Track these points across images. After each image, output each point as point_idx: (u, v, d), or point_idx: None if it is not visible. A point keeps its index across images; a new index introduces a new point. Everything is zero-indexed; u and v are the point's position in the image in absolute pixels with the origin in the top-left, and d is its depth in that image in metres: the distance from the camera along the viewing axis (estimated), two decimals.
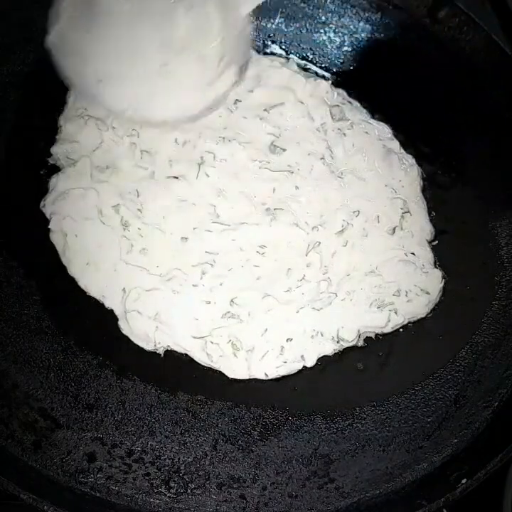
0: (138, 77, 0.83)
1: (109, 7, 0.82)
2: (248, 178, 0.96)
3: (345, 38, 1.10)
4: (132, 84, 0.83)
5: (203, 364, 0.88)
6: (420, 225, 0.99)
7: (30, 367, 0.84)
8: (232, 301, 0.89)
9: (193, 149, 0.96)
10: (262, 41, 1.09)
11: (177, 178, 0.94)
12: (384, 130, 1.04)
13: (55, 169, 0.95)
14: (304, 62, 1.09)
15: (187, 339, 0.87)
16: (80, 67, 0.82)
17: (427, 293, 0.94)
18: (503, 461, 0.80)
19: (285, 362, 0.88)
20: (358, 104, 1.06)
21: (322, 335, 0.90)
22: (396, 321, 0.92)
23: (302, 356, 0.89)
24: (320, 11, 1.10)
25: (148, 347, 0.88)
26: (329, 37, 1.10)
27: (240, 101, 1.00)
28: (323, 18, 1.10)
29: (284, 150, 0.98)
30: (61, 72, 0.82)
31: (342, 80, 1.08)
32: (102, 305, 0.89)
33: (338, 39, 1.10)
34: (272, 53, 1.08)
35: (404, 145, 1.04)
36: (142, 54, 0.82)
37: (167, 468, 0.82)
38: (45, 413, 0.82)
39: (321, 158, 0.99)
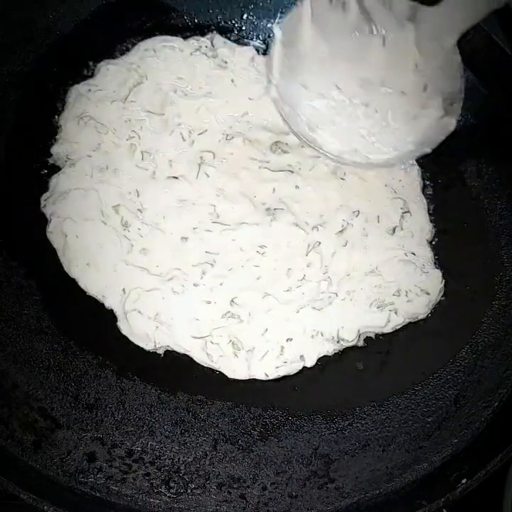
0: (345, 119, 0.86)
1: (311, 51, 0.87)
2: (248, 178, 0.96)
3: None
4: (342, 127, 0.87)
5: (202, 364, 0.88)
6: (420, 225, 0.99)
7: (30, 367, 0.84)
8: (232, 301, 0.89)
9: (193, 149, 0.96)
10: (261, 41, 1.09)
11: (177, 178, 0.94)
12: None
13: (55, 169, 0.95)
14: None
15: (187, 339, 0.87)
16: (296, 114, 0.88)
17: (427, 293, 0.94)
18: (503, 461, 0.80)
19: (285, 362, 0.88)
20: None
21: (322, 335, 0.90)
22: (396, 321, 0.92)
23: (302, 356, 0.89)
24: None
25: (148, 347, 0.88)
26: None
27: None
28: None
29: (285, 150, 0.98)
30: (286, 121, 0.89)
31: None
32: (102, 305, 0.89)
33: None
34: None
35: None
36: (345, 95, 0.86)
37: (167, 468, 0.82)
38: (45, 413, 0.82)
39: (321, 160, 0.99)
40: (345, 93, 0.87)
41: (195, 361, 0.88)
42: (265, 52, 1.08)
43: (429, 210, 1.00)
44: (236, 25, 1.09)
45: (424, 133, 0.88)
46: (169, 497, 0.80)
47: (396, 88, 0.85)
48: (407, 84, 0.85)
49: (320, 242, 0.94)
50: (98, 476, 0.79)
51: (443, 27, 0.86)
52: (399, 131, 0.87)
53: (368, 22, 0.87)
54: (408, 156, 0.91)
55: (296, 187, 0.96)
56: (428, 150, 0.89)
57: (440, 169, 1.03)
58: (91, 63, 1.02)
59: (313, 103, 0.87)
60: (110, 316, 0.88)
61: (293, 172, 0.97)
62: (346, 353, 0.91)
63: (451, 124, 0.88)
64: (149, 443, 0.83)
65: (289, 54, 0.88)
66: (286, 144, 0.98)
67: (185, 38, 1.04)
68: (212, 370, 0.88)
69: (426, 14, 0.87)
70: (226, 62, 1.03)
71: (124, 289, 0.88)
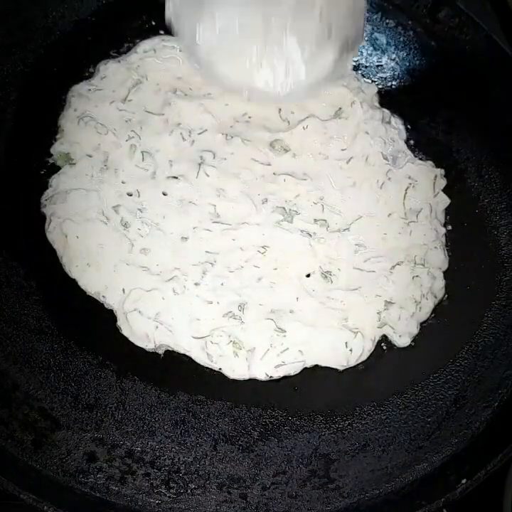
0: (247, 51, 0.84)
1: None
2: (249, 178, 0.96)
3: None
4: (242, 58, 0.85)
5: (202, 364, 0.88)
6: None
7: (30, 367, 0.84)
8: (232, 301, 0.89)
9: (193, 149, 0.96)
10: None
11: (177, 178, 0.94)
12: None
13: (55, 169, 0.95)
14: None
15: (187, 339, 0.87)
16: (194, 39, 0.85)
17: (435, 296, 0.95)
18: (503, 461, 0.80)
19: (284, 362, 0.88)
20: None
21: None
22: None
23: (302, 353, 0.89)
24: None
25: (148, 347, 0.87)
26: None
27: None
28: None
29: (286, 149, 0.98)
30: (181, 43, 0.89)
31: None
32: (102, 305, 0.89)
33: None
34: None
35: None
36: (250, 29, 0.84)
37: (167, 468, 0.82)
38: (45, 413, 0.82)
39: (325, 159, 0.99)
40: (251, 26, 0.84)
41: (195, 361, 0.88)
42: None
43: None
44: None
45: (322, 71, 0.87)
46: (169, 497, 0.80)
47: (297, 29, 0.83)
48: (309, 27, 0.84)
49: (321, 242, 0.94)
50: (98, 476, 0.79)
51: None
52: (296, 68, 0.86)
53: None
54: (300, 95, 0.90)
55: (298, 187, 0.97)
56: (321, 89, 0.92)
57: (440, 169, 1.03)
58: (91, 63, 1.02)
59: (217, 29, 0.84)
60: (110, 316, 0.88)
61: (294, 172, 0.97)
62: None
63: (346, 65, 0.91)
64: (149, 443, 0.83)
65: None
66: (286, 143, 0.98)
67: None
68: (212, 370, 0.88)
69: None
70: None
71: (124, 289, 0.88)
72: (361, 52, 1.10)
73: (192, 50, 0.87)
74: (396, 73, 1.09)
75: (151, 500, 0.79)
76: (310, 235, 0.94)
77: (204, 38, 0.85)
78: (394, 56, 1.10)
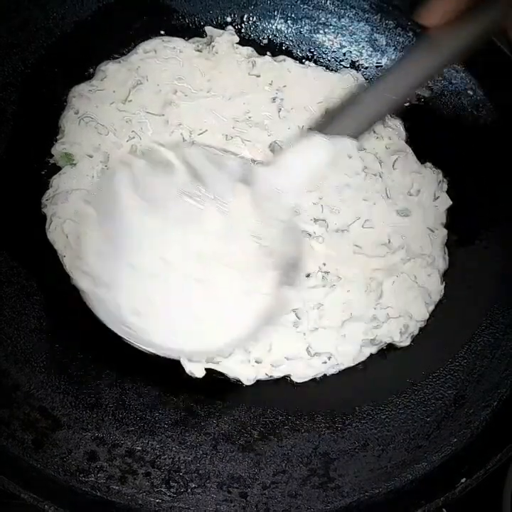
0: (174, 302, 0.76)
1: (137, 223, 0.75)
2: None
3: (345, 39, 1.10)
4: (168, 313, 0.77)
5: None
6: None
7: (31, 366, 0.84)
8: None
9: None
10: (261, 41, 1.09)
11: None
12: None
13: (56, 169, 0.95)
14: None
15: None
16: (115, 302, 0.76)
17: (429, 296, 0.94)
18: (502, 460, 0.80)
19: (285, 361, 0.88)
20: None
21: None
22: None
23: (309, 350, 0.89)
24: (320, 11, 1.10)
25: None
26: (329, 38, 1.10)
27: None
28: (323, 18, 1.10)
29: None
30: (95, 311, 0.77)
31: None
32: None
33: (337, 40, 1.10)
34: (272, 54, 1.08)
35: None
36: (177, 271, 0.75)
37: (167, 467, 0.82)
38: (45, 412, 0.82)
39: None
40: (178, 270, 0.75)
41: None
42: (265, 53, 1.08)
43: None
44: (236, 26, 1.09)
45: (257, 312, 0.76)
46: (170, 496, 0.80)
47: (234, 263, 0.74)
48: (246, 257, 0.74)
49: (321, 242, 0.94)
50: (99, 475, 0.80)
51: (279, 185, 0.75)
52: (230, 314, 0.76)
53: (199, 185, 0.76)
54: (233, 345, 0.79)
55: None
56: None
57: (440, 170, 1.04)
58: (91, 64, 1.02)
59: (138, 284, 0.75)
60: None
61: None
62: None
63: (290, 297, 0.76)
64: (150, 442, 0.83)
65: (107, 233, 0.75)
66: (286, 143, 0.99)
67: (186, 38, 1.05)
68: (212, 370, 0.88)
69: (260, 174, 0.77)
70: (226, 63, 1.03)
71: None
72: (361, 52, 1.10)
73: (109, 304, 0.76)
74: None
75: (152, 499, 0.80)
76: (309, 235, 0.94)
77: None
78: (393, 57, 1.10)
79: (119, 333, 0.77)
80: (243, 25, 1.09)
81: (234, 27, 1.08)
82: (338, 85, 1.05)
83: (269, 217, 0.75)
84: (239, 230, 0.75)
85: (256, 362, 0.87)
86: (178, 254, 0.75)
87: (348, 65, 1.10)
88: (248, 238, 0.75)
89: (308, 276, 0.92)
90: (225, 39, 1.04)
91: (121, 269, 0.76)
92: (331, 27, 1.10)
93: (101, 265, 0.75)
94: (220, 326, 0.77)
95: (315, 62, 1.09)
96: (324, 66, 1.09)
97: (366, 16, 1.10)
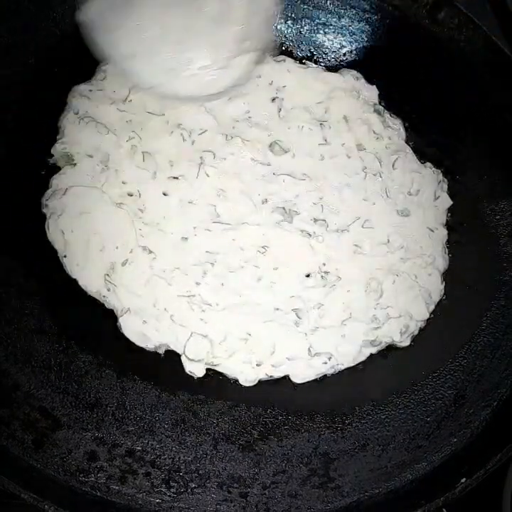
0: (166, 55, 0.84)
1: None
2: (249, 178, 0.96)
3: (345, 39, 1.10)
4: (161, 61, 0.85)
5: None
6: None
7: (31, 366, 0.84)
8: (233, 301, 0.89)
9: (193, 149, 0.96)
10: None
11: (177, 178, 0.95)
12: None
13: (56, 169, 0.95)
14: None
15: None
16: (113, 42, 0.85)
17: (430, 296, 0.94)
18: (502, 460, 0.80)
19: (285, 361, 0.88)
20: None
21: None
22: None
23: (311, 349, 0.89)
24: (320, 11, 1.10)
25: (148, 347, 0.88)
26: (329, 38, 1.10)
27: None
28: (323, 19, 1.10)
29: (285, 150, 0.99)
30: (93, 46, 0.86)
31: None
32: (103, 305, 0.89)
33: (337, 40, 1.10)
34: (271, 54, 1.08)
35: None
36: (170, 34, 0.84)
37: (167, 467, 0.82)
38: (46, 412, 0.82)
39: (324, 159, 0.99)
40: (171, 31, 0.84)
41: None
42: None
43: None
44: None
45: (233, 79, 0.88)
46: (170, 496, 0.80)
47: (214, 37, 0.84)
48: (226, 36, 0.84)
49: (321, 241, 0.94)
50: (99, 475, 0.80)
51: None
52: (211, 74, 0.86)
53: None
54: (218, 96, 0.90)
55: (298, 187, 0.97)
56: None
57: (440, 170, 1.04)
58: (91, 64, 1.02)
59: (137, 33, 0.84)
60: (110, 316, 0.89)
61: (294, 172, 0.98)
62: None
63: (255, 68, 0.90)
64: (150, 442, 0.83)
65: None
66: (286, 143, 0.99)
67: None
68: (212, 370, 0.88)
69: None
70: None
71: None
72: (361, 53, 1.10)
73: (110, 56, 0.87)
74: (396, 74, 1.10)
75: (152, 499, 0.80)
76: (310, 235, 0.94)
77: (124, 43, 0.85)
78: (393, 57, 1.10)
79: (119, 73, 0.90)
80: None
81: None
82: (338, 85, 1.04)
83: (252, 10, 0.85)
84: (230, 14, 0.85)
85: (257, 365, 0.87)
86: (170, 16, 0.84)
87: (348, 65, 1.10)
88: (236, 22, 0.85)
89: (308, 276, 0.92)
90: None
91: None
92: (331, 27, 1.10)
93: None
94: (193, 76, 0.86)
95: (315, 62, 1.09)
96: (324, 66, 1.09)
97: (366, 16, 1.10)
